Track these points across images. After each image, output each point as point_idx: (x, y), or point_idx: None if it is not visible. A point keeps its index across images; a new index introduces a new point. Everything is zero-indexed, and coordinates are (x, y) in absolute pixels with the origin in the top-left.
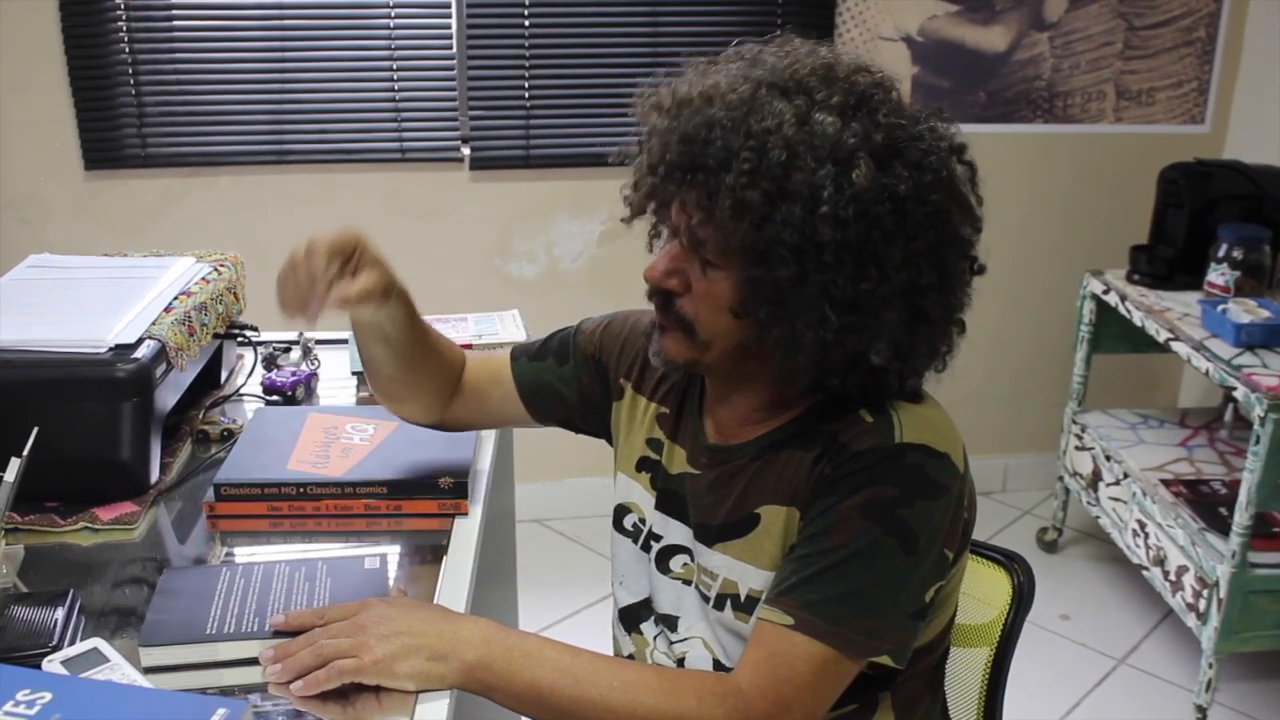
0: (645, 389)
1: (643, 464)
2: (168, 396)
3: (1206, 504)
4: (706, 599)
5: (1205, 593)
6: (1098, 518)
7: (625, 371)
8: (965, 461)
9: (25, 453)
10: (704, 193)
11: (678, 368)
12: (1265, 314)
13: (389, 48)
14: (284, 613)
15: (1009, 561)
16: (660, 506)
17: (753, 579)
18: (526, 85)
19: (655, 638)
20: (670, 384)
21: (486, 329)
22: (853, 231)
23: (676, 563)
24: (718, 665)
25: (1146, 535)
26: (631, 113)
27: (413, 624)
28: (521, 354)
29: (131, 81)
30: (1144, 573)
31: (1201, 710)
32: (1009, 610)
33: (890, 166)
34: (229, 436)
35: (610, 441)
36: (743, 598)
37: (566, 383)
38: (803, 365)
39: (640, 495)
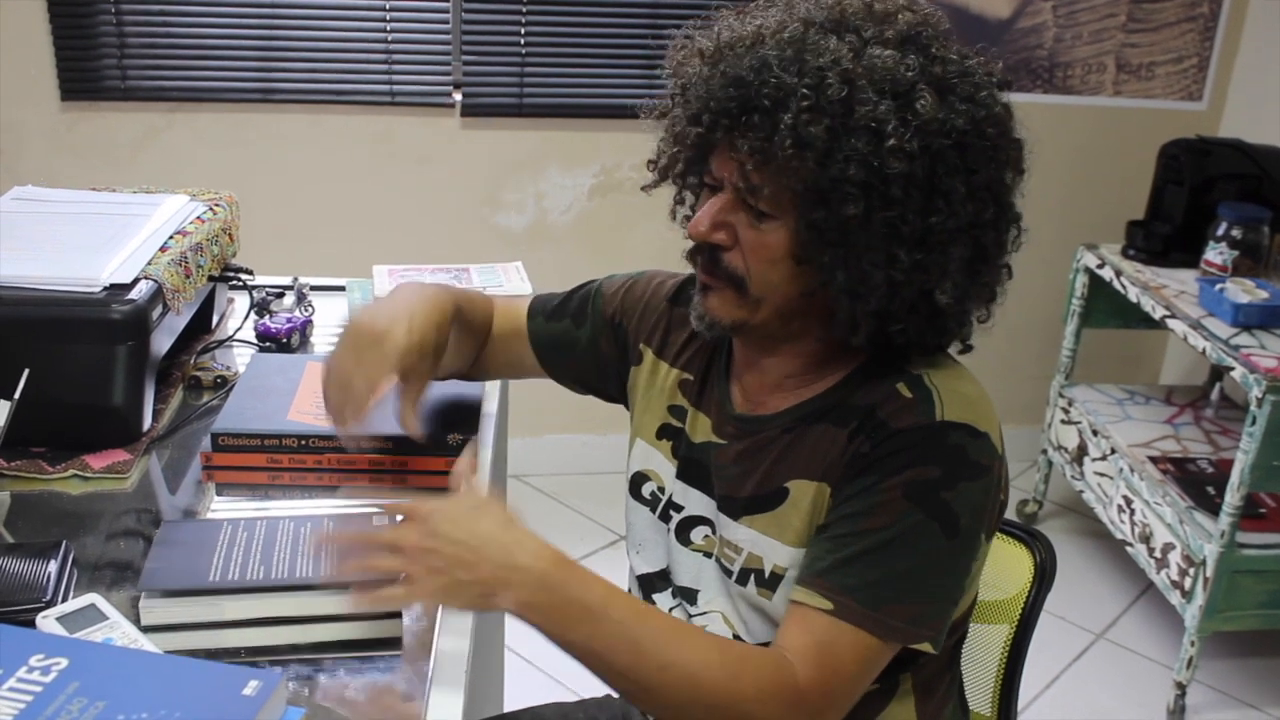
0: (667, 354)
1: (664, 431)
2: (163, 340)
3: (1194, 482)
4: (729, 573)
5: (1191, 571)
6: (1081, 492)
7: (646, 336)
8: (1002, 441)
9: (16, 395)
10: (760, 135)
11: (724, 330)
12: (1264, 295)
13: None
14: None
15: (1031, 539)
16: (682, 476)
17: (778, 554)
18: (522, 32)
19: (670, 610)
20: (695, 349)
21: (490, 280)
22: (919, 165)
23: (697, 534)
24: (737, 640)
25: (1132, 511)
26: (663, 67)
27: (465, 554)
28: (539, 311)
29: (113, 10)
30: (1127, 549)
31: (1181, 687)
32: (1030, 588)
33: (947, 100)
34: (223, 384)
35: (626, 406)
36: (767, 573)
37: (583, 345)
38: (869, 310)
39: (660, 463)
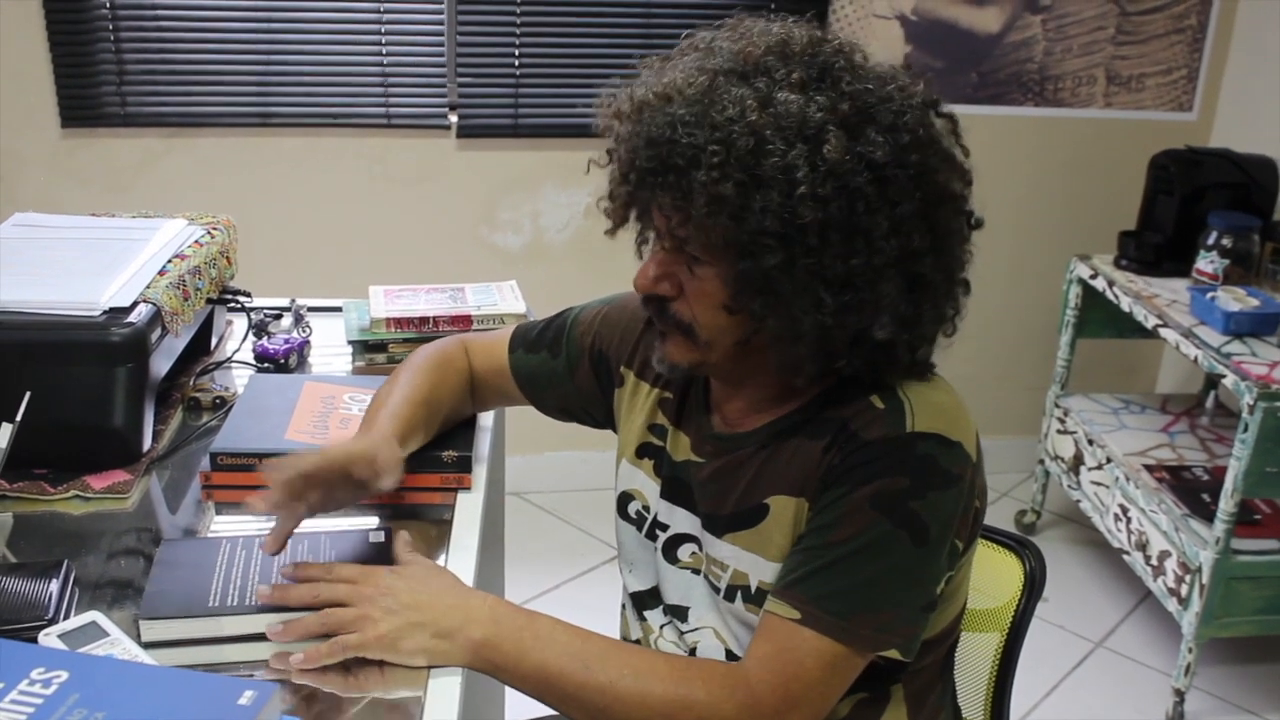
0: (648, 374)
1: (644, 450)
2: (162, 362)
3: (1189, 490)
4: (716, 589)
5: (1188, 578)
6: (1078, 501)
7: (627, 359)
8: (978, 449)
9: (18, 418)
10: (678, 193)
11: (685, 371)
12: (1255, 302)
13: (378, 10)
14: (291, 564)
15: (1021, 548)
16: (666, 495)
17: (763, 570)
18: (517, 53)
19: (662, 627)
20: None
21: (485, 299)
22: (835, 208)
23: (685, 552)
24: (730, 655)
25: (1129, 520)
26: (595, 124)
27: (419, 598)
28: (520, 344)
29: (112, 37)
30: (1124, 557)
31: (1180, 694)
32: (1020, 596)
33: (863, 134)
34: (221, 404)
35: (615, 430)
36: (753, 589)
37: (561, 376)
38: (805, 353)
39: (643, 482)
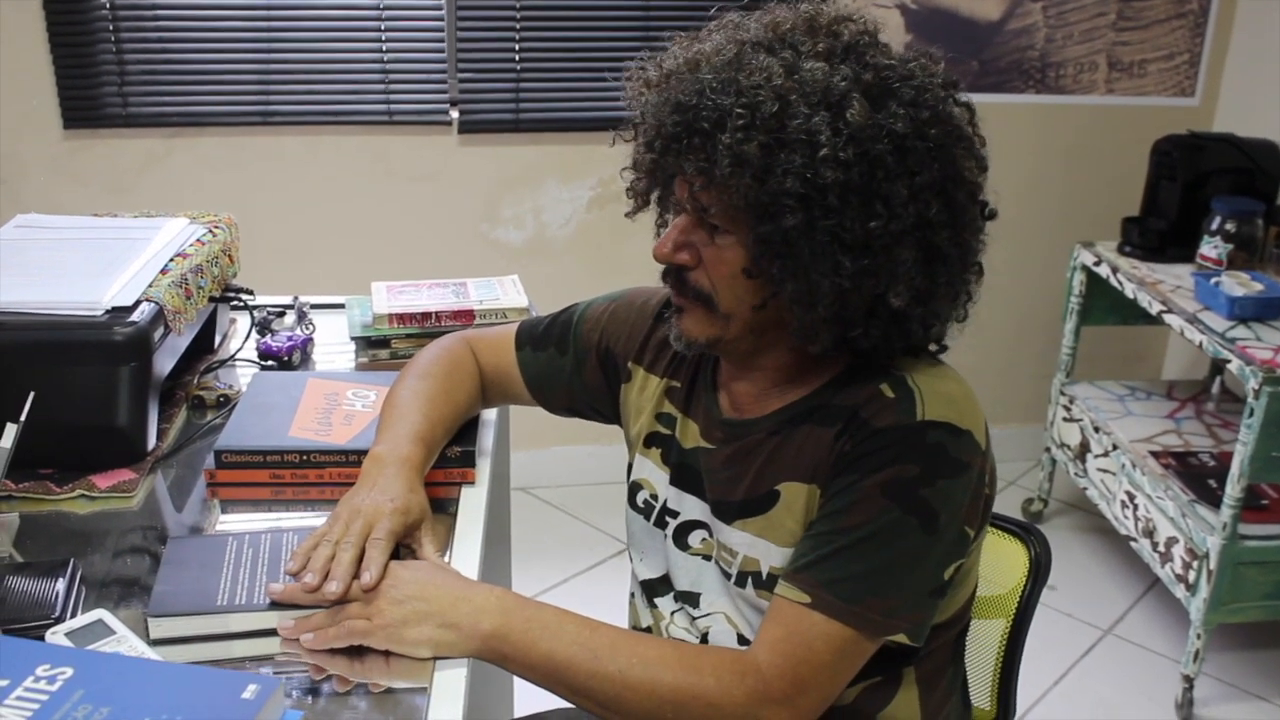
0: (656, 367)
1: (652, 439)
2: (165, 361)
3: (1195, 476)
4: (728, 575)
5: (1195, 564)
6: (1085, 489)
7: (635, 354)
8: (987, 437)
9: (22, 418)
10: (702, 156)
11: (701, 347)
12: (1259, 287)
13: (378, 7)
14: (294, 557)
15: (1026, 534)
16: (675, 482)
17: (774, 556)
18: (517, 48)
19: (673, 613)
20: (682, 358)
21: (487, 294)
22: (855, 172)
23: (695, 538)
24: (741, 640)
25: (1135, 507)
26: (622, 96)
27: (426, 589)
28: (526, 341)
29: (113, 38)
30: (1132, 544)
31: (1189, 680)
32: (1025, 582)
33: (885, 105)
34: (225, 402)
35: (621, 425)
36: (764, 575)
37: (568, 373)
38: (823, 317)
39: (651, 471)
